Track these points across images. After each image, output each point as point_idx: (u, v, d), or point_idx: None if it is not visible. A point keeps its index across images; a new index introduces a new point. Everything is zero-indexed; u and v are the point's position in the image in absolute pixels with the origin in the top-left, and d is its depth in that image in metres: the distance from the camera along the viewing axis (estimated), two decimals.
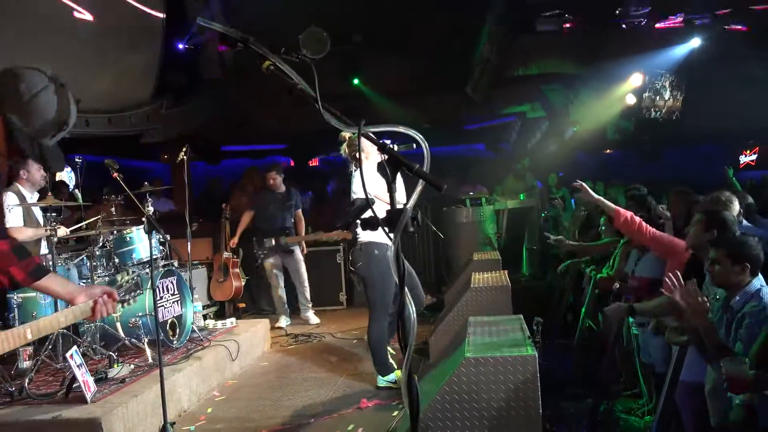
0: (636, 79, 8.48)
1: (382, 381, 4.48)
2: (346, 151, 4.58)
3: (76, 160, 5.88)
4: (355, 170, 4.49)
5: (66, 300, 1.97)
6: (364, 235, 4.38)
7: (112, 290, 2.02)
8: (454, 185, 11.12)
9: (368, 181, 4.39)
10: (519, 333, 3.30)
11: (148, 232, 3.66)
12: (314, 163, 14.84)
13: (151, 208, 5.53)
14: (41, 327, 1.94)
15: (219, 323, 5.80)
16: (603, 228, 5.88)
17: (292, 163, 14.48)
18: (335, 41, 9.11)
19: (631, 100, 8.63)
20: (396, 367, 4.54)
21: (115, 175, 3.92)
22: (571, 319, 6.55)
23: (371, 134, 1.85)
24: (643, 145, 11.22)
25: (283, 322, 6.96)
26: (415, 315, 1.83)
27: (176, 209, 10.09)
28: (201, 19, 1.89)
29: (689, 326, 3.05)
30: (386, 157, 1.85)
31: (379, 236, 4.37)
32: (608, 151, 12.78)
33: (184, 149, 5.82)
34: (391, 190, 1.85)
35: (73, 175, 5.95)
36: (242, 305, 7.63)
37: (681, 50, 8.27)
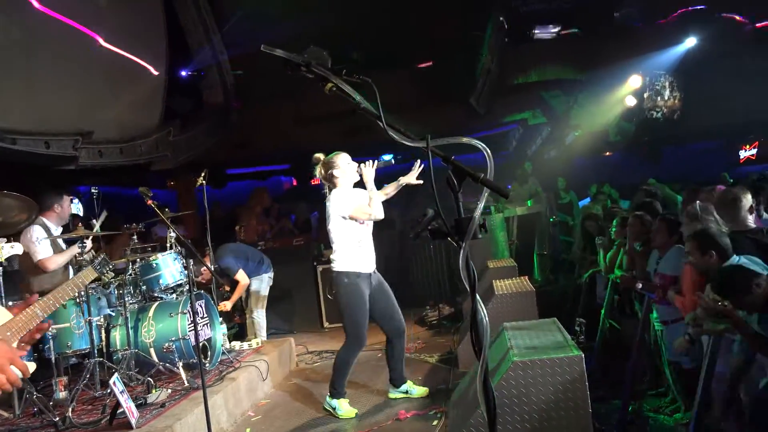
0: (635, 81, 8.62)
1: (328, 404, 4.53)
2: (321, 172, 4.52)
3: (92, 191, 5.91)
4: (329, 193, 4.46)
5: None
6: (336, 264, 4.39)
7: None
8: (458, 195, 11.23)
9: (347, 198, 4.38)
10: (559, 335, 3.36)
11: (186, 256, 3.69)
12: (316, 182, 14.85)
13: (173, 234, 5.64)
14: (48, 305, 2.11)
15: (245, 344, 5.82)
16: (614, 230, 5.96)
17: (295, 183, 14.54)
18: (335, 60, 9.20)
19: (631, 101, 8.76)
20: (344, 394, 4.56)
21: (150, 202, 3.97)
22: (587, 322, 6.61)
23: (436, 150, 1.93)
24: (642, 147, 11.37)
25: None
26: (487, 319, 1.89)
27: (187, 234, 10.15)
28: (265, 47, 1.96)
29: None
30: (452, 167, 1.93)
31: (348, 264, 4.38)
32: (607, 153, 12.92)
33: (203, 174, 5.89)
34: (457, 199, 1.92)
35: (80, 206, 5.98)
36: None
37: (678, 50, 8.42)
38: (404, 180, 4.60)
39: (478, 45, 7.98)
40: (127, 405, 3.67)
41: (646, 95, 8.59)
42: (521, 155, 11.74)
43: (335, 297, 4.53)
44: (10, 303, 3.97)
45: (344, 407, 4.44)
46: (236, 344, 5.83)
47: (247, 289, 6.60)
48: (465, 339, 5.12)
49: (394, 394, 4.68)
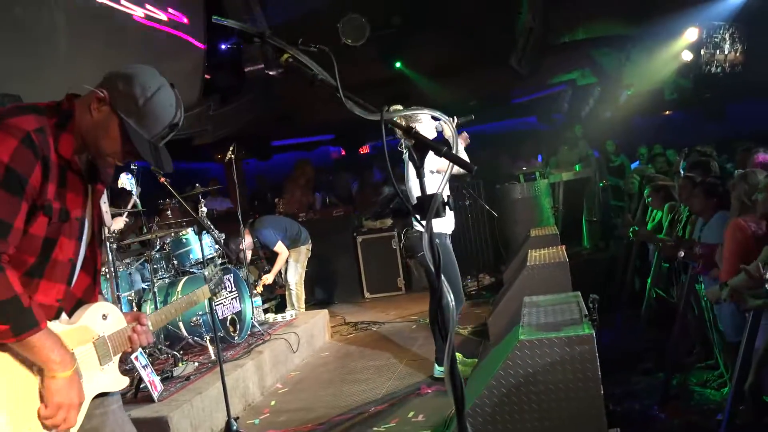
0: (691, 34, 8.02)
1: (439, 371, 4.40)
2: (403, 125, 4.34)
3: (132, 167, 6.03)
4: (406, 149, 4.24)
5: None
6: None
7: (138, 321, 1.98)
8: (508, 161, 10.93)
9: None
10: (576, 311, 3.19)
11: (198, 233, 3.71)
12: (365, 150, 14.85)
13: (204, 209, 5.71)
14: (161, 318, 2.16)
15: (279, 316, 5.89)
16: (649, 199, 5.64)
17: (343, 152, 14.54)
18: (374, 26, 9.04)
19: (687, 56, 8.18)
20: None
21: (162, 180, 4.00)
22: (639, 289, 6.35)
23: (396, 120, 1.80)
24: (705, 104, 10.68)
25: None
26: (453, 303, 1.79)
27: (233, 207, 10.35)
28: (216, 18, 1.87)
29: None
30: (413, 141, 1.80)
31: (439, 225, 4.28)
32: (667, 112, 12.23)
33: (231, 148, 5.92)
34: (421, 176, 1.80)
35: (134, 181, 6.09)
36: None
37: None
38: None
39: (517, 3, 7.61)
40: (150, 379, 3.76)
41: (703, 50, 7.99)
42: (574, 117, 11.29)
43: (424, 259, 4.35)
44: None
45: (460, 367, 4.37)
46: (270, 316, 5.91)
47: (286, 261, 6.66)
48: (496, 310, 4.98)
49: (438, 374, 4.48)
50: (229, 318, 4.94)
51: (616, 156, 10.20)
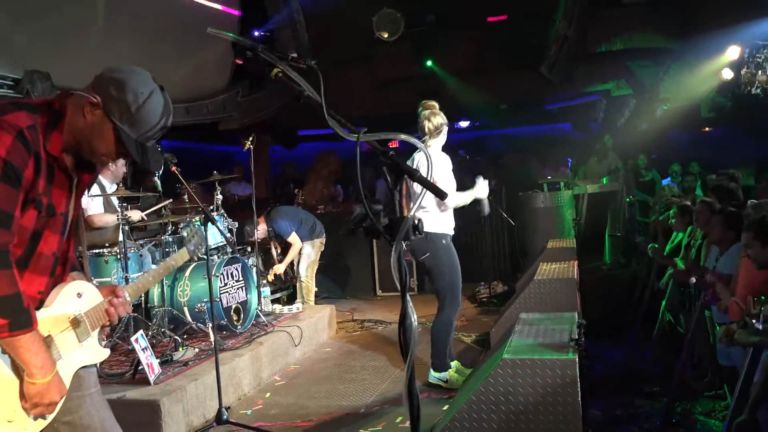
0: (733, 52, 7.84)
1: (434, 377, 4.44)
2: (429, 120, 4.34)
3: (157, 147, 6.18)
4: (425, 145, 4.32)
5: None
6: (432, 225, 4.26)
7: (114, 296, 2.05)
8: (538, 166, 10.86)
9: (446, 162, 4.35)
10: (567, 334, 3.21)
11: (204, 223, 3.83)
12: (394, 144, 14.90)
13: (220, 196, 5.85)
14: (138, 288, 2.25)
15: (285, 308, 6.01)
16: (673, 221, 5.58)
17: (370, 148, 14.59)
18: (408, 22, 9.08)
19: (727, 75, 8.00)
20: (450, 365, 4.49)
21: (174, 168, 4.12)
22: (656, 311, 6.31)
23: (375, 142, 1.86)
24: (744, 122, 10.44)
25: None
26: (416, 323, 1.84)
27: (256, 194, 10.48)
28: (211, 29, 1.95)
29: None
30: (389, 163, 1.86)
31: (444, 225, 4.36)
32: (706, 129, 11.98)
33: (250, 138, 6.04)
34: (395, 197, 1.85)
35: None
36: (315, 289, 7.84)
37: None
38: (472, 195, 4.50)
39: (552, 10, 7.55)
40: (148, 362, 3.90)
41: (744, 69, 7.79)
42: (609, 128, 11.14)
43: (429, 260, 4.36)
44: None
45: (454, 375, 4.42)
46: (277, 307, 6.03)
47: (299, 253, 6.78)
48: (499, 321, 5.00)
49: (433, 380, 4.50)
50: (233, 307, 5.07)
51: (647, 171, 10.06)
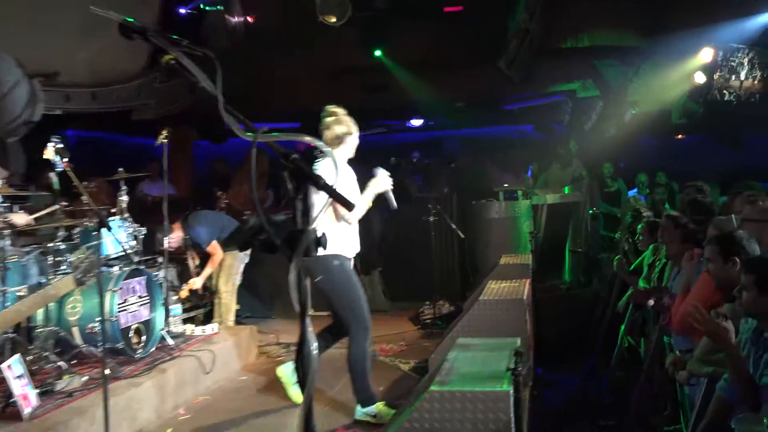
0: (706, 55, 8.16)
1: (360, 413, 4.42)
2: (330, 128, 4.41)
3: (53, 139, 5.98)
4: (322, 159, 4.27)
5: None
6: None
7: None
8: (496, 172, 11.01)
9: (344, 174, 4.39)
10: (505, 362, 3.24)
11: (97, 230, 3.72)
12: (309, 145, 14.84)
13: (125, 197, 5.71)
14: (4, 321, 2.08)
15: (198, 329, 5.89)
16: (640, 237, 5.74)
17: (313, 144, 14.56)
18: (357, 6, 9.08)
19: (700, 78, 8.31)
20: (378, 398, 4.48)
21: (65, 165, 4.00)
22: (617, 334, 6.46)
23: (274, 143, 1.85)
24: (718, 130, 10.87)
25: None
26: (317, 352, 1.83)
27: (177, 194, 10.29)
28: (93, 8, 1.91)
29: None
30: (291, 167, 1.84)
31: (338, 245, 4.35)
32: (679, 136, 12.41)
33: (164, 132, 5.93)
34: (296, 207, 1.83)
35: (58, 151, 6.04)
36: (237, 307, 7.72)
37: (761, 20, 7.91)
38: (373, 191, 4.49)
39: (513, 1, 7.69)
40: (23, 392, 3.75)
41: (717, 73, 8.13)
42: (575, 132, 11.39)
43: (322, 284, 4.39)
44: None
45: (384, 409, 4.42)
46: (189, 328, 5.91)
47: (219, 265, 6.66)
48: (439, 347, 5.02)
49: (359, 416, 4.51)
50: (133, 327, 4.94)
51: (613, 180, 10.33)
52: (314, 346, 1.82)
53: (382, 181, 4.47)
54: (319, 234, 1.78)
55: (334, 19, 9.02)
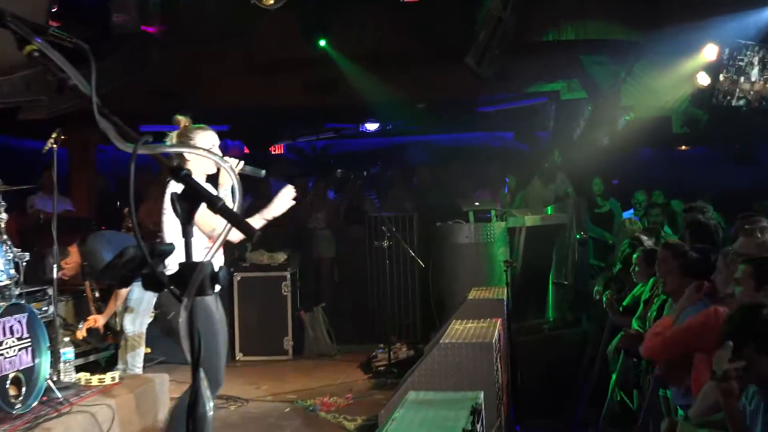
0: (710, 52, 8.35)
1: None
2: (173, 141, 4.41)
3: None
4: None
5: None
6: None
7: None
8: (468, 188, 11.09)
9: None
10: (462, 421, 3.24)
11: None
12: (278, 150, 14.88)
13: (4, 216, 5.58)
14: None
15: (96, 378, 5.78)
16: (636, 269, 5.84)
17: (247, 150, 14.54)
18: None
19: (703, 80, 8.50)
20: None
21: None
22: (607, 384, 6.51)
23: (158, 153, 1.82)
24: (728, 141, 11.13)
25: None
26: (212, 411, 1.80)
27: (74, 210, 10.13)
28: None
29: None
30: (182, 188, 1.81)
31: None
32: (683, 147, 12.70)
33: (54, 135, 5.85)
34: (187, 235, 1.80)
35: None
36: (147, 350, 7.59)
37: None
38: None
39: None
40: None
41: (723, 74, 8.32)
42: (562, 141, 11.52)
43: (175, 319, 4.32)
44: None
45: None
46: (83, 377, 5.79)
47: (126, 298, 6.55)
48: (391, 401, 5.01)
49: None
50: (11, 376, 4.82)
51: (603, 199, 10.46)
52: (209, 406, 1.78)
53: (286, 201, 4.42)
54: (216, 268, 1.75)
55: (270, 2, 9.03)
